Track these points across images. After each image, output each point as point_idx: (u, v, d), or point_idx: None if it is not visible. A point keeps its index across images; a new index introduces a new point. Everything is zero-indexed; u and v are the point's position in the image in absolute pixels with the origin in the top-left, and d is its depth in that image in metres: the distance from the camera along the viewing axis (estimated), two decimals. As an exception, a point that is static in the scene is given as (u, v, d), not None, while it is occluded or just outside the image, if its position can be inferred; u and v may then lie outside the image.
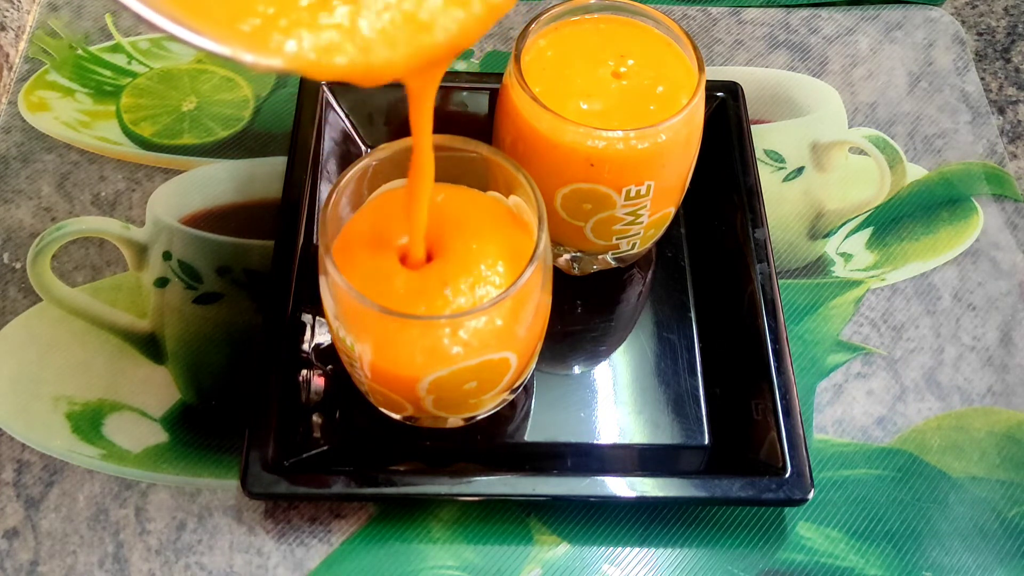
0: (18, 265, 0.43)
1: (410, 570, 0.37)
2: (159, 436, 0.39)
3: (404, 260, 0.33)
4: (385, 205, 0.35)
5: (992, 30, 0.57)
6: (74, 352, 0.41)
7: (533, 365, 0.37)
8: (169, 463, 0.39)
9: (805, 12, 0.55)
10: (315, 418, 0.39)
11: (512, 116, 0.37)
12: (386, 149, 0.33)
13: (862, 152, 0.50)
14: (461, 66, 0.52)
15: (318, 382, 0.39)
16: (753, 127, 0.47)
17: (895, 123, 0.51)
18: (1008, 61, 0.55)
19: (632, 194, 0.36)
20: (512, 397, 0.38)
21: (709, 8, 0.55)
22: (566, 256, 0.42)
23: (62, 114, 0.48)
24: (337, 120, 0.45)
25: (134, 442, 0.39)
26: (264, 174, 0.47)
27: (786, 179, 0.48)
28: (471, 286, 0.32)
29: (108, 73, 0.50)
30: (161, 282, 0.43)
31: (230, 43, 0.22)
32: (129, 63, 0.51)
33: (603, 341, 0.42)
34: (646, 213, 0.38)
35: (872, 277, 0.45)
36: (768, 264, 0.41)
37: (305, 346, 0.39)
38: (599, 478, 0.36)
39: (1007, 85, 0.55)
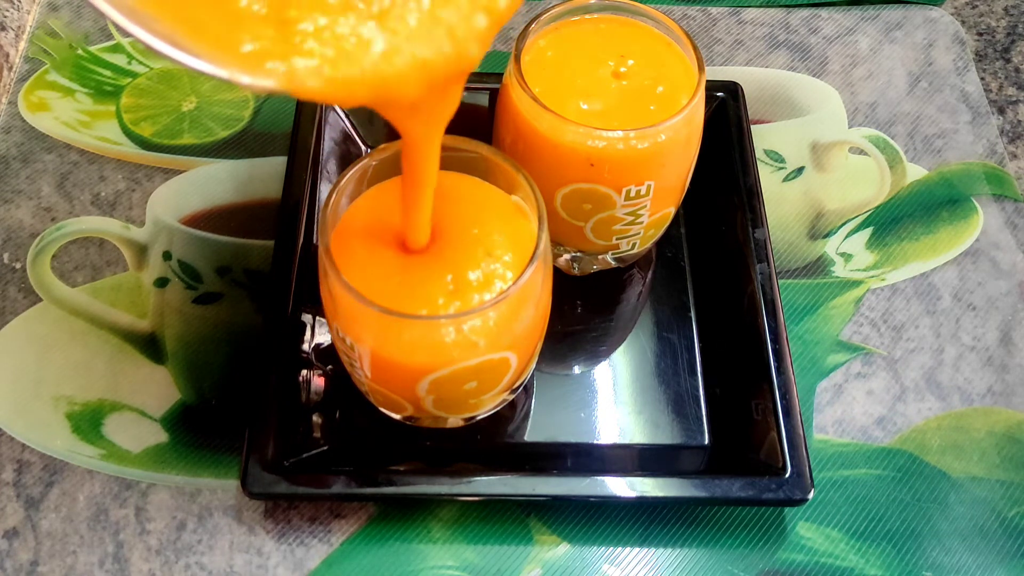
0: (18, 265, 0.43)
1: (410, 570, 0.37)
2: (159, 436, 0.39)
3: (403, 247, 0.33)
4: (384, 196, 0.34)
5: (992, 30, 0.57)
6: (74, 352, 0.41)
7: (533, 365, 0.37)
8: (169, 463, 0.39)
9: (805, 12, 0.55)
10: (315, 418, 0.39)
11: (512, 116, 0.37)
12: (386, 149, 0.33)
13: (862, 152, 0.50)
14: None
15: (318, 382, 0.39)
16: (753, 127, 0.47)
17: (895, 123, 0.51)
18: (1008, 61, 0.55)
19: (632, 194, 0.36)
20: (512, 397, 0.38)
21: (709, 8, 0.55)
22: (566, 256, 0.42)
23: (62, 114, 0.48)
24: (337, 120, 0.45)
25: (134, 442, 0.39)
26: (264, 174, 0.47)
27: (786, 179, 0.48)
28: (473, 282, 0.32)
29: (108, 73, 0.50)
30: (161, 282, 0.43)
31: (227, 65, 0.22)
32: (129, 63, 0.51)
33: (603, 341, 0.42)
34: (646, 213, 0.38)
35: (872, 277, 0.45)
36: (768, 264, 0.41)
37: (305, 346, 0.39)
38: (599, 478, 0.36)
39: (1007, 85, 0.55)
